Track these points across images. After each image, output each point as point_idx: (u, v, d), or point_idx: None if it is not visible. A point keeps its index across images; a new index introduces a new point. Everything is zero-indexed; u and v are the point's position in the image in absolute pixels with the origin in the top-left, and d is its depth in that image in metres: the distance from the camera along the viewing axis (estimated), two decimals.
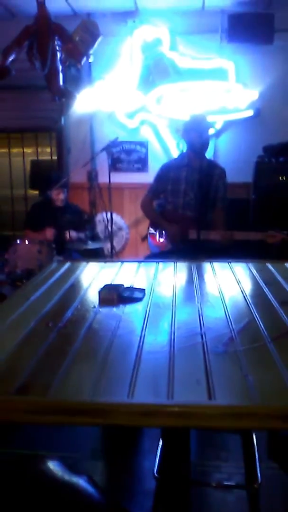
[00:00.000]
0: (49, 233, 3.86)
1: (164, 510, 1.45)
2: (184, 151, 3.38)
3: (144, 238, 3.50)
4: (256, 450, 1.69)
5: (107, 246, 4.25)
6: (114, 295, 1.61)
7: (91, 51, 4.11)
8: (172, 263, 2.21)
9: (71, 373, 1.08)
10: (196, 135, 3.10)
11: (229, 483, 2.13)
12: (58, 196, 3.98)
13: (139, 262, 2.28)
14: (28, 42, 3.84)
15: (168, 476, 1.39)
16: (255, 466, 1.66)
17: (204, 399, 0.96)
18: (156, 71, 4.58)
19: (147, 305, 1.58)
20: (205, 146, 3.21)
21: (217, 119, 4.54)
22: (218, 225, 3.18)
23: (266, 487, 1.72)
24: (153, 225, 3.43)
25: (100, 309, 1.55)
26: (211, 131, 3.47)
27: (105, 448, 2.43)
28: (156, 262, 2.25)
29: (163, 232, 3.32)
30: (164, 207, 3.37)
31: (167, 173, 3.28)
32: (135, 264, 2.21)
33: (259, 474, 1.64)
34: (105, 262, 2.31)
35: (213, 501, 2.02)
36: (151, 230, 3.43)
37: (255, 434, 1.71)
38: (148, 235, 3.46)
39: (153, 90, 4.59)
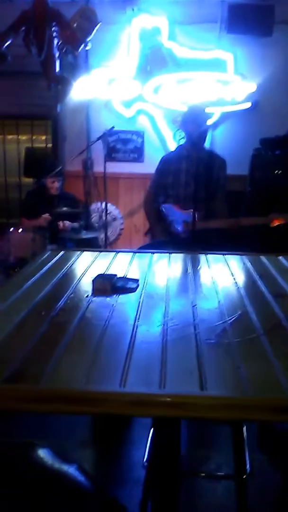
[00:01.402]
0: (44, 220, 3.85)
1: (153, 499, 1.46)
2: (182, 142, 3.36)
3: (147, 233, 3.48)
4: (245, 441, 1.70)
5: (101, 236, 4.24)
6: (108, 285, 1.60)
7: (88, 38, 4.07)
8: (167, 254, 2.21)
9: (63, 362, 1.08)
10: (194, 126, 3.09)
11: (218, 474, 2.15)
12: (53, 184, 3.96)
13: (134, 252, 2.27)
14: (25, 28, 3.80)
15: (157, 465, 1.40)
16: (244, 457, 1.68)
17: (196, 390, 0.96)
18: (154, 61, 4.55)
19: (141, 296, 1.58)
20: (203, 137, 3.20)
21: (214, 111, 4.52)
22: (221, 214, 3.19)
23: (255, 478, 1.73)
24: (151, 229, 3.42)
25: (93, 299, 1.54)
26: (210, 122, 3.46)
27: (95, 437, 2.44)
28: (151, 253, 2.25)
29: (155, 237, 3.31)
30: (164, 200, 3.33)
31: (167, 166, 3.27)
32: (130, 254, 2.21)
33: (248, 465, 1.66)
34: (100, 251, 2.30)
35: (202, 491, 2.04)
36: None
37: (245, 425, 1.72)
38: (150, 230, 3.45)
39: (151, 80, 4.55)
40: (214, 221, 3.06)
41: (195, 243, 2.70)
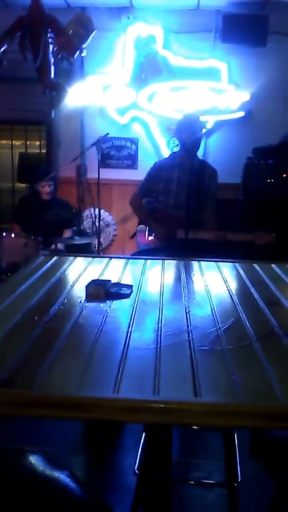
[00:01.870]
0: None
1: (145, 506, 1.45)
2: (176, 150, 3.38)
3: (133, 236, 3.48)
4: (237, 448, 1.70)
5: (94, 242, 4.24)
6: (101, 291, 1.60)
7: (84, 45, 4.09)
8: (160, 261, 2.21)
9: (56, 367, 1.08)
10: (188, 134, 3.10)
11: (209, 481, 2.14)
12: (44, 189, 3.95)
13: (127, 258, 2.28)
14: (20, 33, 3.81)
15: (149, 472, 1.39)
16: (236, 465, 1.68)
17: (190, 396, 0.96)
18: (149, 69, 4.57)
19: (134, 302, 1.58)
20: (197, 145, 3.21)
21: (208, 119, 4.55)
22: (209, 225, 3.20)
23: (246, 485, 1.73)
24: (142, 223, 3.42)
25: (86, 304, 1.54)
26: (204, 131, 3.48)
27: (86, 444, 2.42)
28: (144, 259, 2.25)
29: (152, 231, 3.31)
30: (154, 206, 3.36)
31: (159, 173, 3.27)
32: (123, 261, 2.21)
33: (239, 473, 1.65)
34: (93, 257, 2.30)
35: (193, 498, 2.03)
36: (141, 228, 3.42)
37: (236, 433, 1.72)
38: (137, 233, 3.45)
39: (145, 88, 4.58)
40: (202, 232, 3.07)
41: (185, 251, 2.70)
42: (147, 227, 3.34)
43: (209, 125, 4.60)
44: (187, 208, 2.87)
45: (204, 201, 3.23)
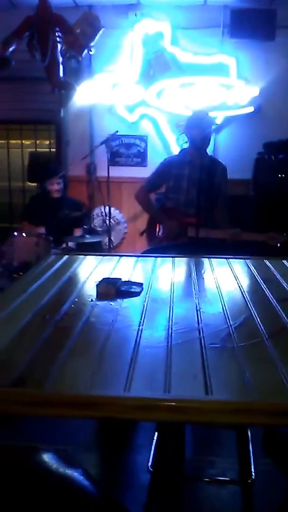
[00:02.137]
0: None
1: (158, 504, 1.45)
2: (185, 147, 3.36)
3: (143, 233, 3.48)
4: (250, 445, 1.69)
5: (105, 240, 4.24)
6: (112, 289, 1.60)
7: (92, 44, 4.09)
8: (170, 259, 2.21)
9: (68, 366, 1.08)
10: (198, 131, 3.09)
11: (223, 478, 2.14)
12: (53, 187, 3.95)
13: (137, 256, 2.27)
14: (28, 33, 3.82)
15: (162, 470, 1.39)
16: (249, 462, 1.67)
17: (201, 394, 0.96)
18: (157, 65, 4.56)
19: (145, 300, 1.58)
20: (206, 142, 3.20)
21: (217, 115, 4.53)
22: (222, 223, 3.18)
23: (260, 482, 1.72)
24: (152, 218, 3.42)
25: (97, 303, 1.54)
26: (213, 127, 3.47)
27: (100, 441, 2.43)
28: (154, 257, 2.24)
29: (161, 226, 3.30)
30: (163, 203, 3.35)
31: (169, 169, 3.26)
32: (133, 259, 2.21)
33: (253, 470, 1.65)
34: (103, 256, 2.30)
35: (207, 496, 2.03)
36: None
37: (250, 430, 1.71)
38: (146, 230, 3.45)
39: (154, 84, 4.57)
40: (216, 231, 3.06)
41: (196, 249, 2.69)
42: (158, 224, 3.32)
43: (218, 121, 4.57)
44: (198, 205, 2.86)
45: (215, 199, 3.21)
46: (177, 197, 3.22)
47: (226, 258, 2.20)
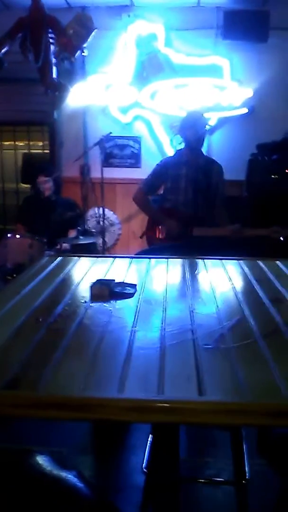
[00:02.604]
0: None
1: (153, 505, 1.45)
2: (180, 148, 3.38)
3: (142, 235, 3.48)
4: (244, 446, 1.70)
5: (99, 241, 4.24)
6: (106, 290, 1.60)
7: (85, 45, 4.09)
8: (165, 260, 2.21)
9: (61, 368, 1.08)
10: (192, 132, 3.11)
11: (217, 479, 2.14)
12: (45, 185, 3.94)
13: (131, 257, 2.27)
14: (21, 34, 3.82)
15: (157, 471, 1.39)
16: (244, 462, 1.67)
17: (195, 395, 0.96)
18: (150, 67, 4.56)
19: (139, 301, 1.58)
20: (201, 142, 3.22)
21: (211, 116, 4.54)
22: (222, 221, 3.19)
23: (254, 483, 1.73)
24: (152, 219, 3.41)
25: (91, 304, 1.54)
26: (207, 128, 3.48)
27: (94, 443, 2.43)
28: (148, 258, 2.24)
29: (163, 227, 3.29)
30: (160, 204, 3.35)
31: (166, 170, 3.27)
32: (127, 260, 2.21)
33: (247, 470, 1.65)
34: (97, 257, 2.30)
35: (202, 497, 2.03)
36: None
37: (244, 430, 1.72)
38: (146, 232, 3.44)
39: (147, 86, 4.57)
40: (217, 229, 3.07)
41: (194, 249, 2.70)
42: (158, 225, 3.32)
43: (212, 122, 4.58)
44: (197, 204, 2.87)
45: (212, 198, 3.23)
46: (176, 197, 3.23)
47: (220, 259, 2.21)
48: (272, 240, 2.96)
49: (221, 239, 3.03)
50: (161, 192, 3.38)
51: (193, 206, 3.18)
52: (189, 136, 3.16)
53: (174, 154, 3.51)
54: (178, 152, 3.46)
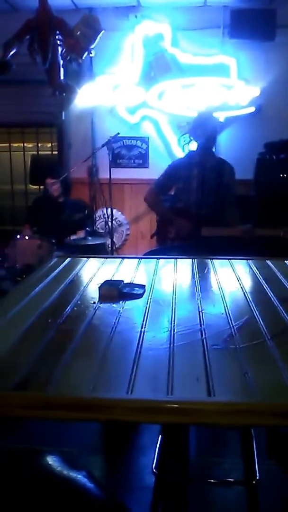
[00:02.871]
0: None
1: (163, 506, 1.45)
2: (190, 148, 3.38)
3: (153, 235, 3.48)
4: (254, 446, 1.69)
5: (107, 242, 4.25)
6: (114, 291, 1.61)
7: (92, 46, 4.10)
8: (173, 260, 2.21)
9: (71, 369, 1.08)
10: (203, 132, 3.12)
11: (227, 479, 2.14)
12: (53, 187, 3.96)
13: (140, 258, 2.28)
14: (29, 37, 3.83)
15: (166, 471, 1.39)
16: (254, 463, 1.67)
17: (204, 396, 0.96)
18: (158, 67, 4.57)
19: (147, 301, 1.58)
20: (212, 143, 3.23)
21: (218, 116, 4.53)
22: (233, 222, 3.19)
23: (265, 483, 1.72)
24: (162, 220, 3.42)
25: (100, 305, 1.55)
26: (219, 127, 3.48)
27: (104, 443, 2.43)
28: (157, 258, 2.25)
29: (174, 227, 3.29)
30: (172, 204, 3.35)
31: (178, 171, 3.28)
32: (136, 260, 2.21)
33: (257, 471, 1.65)
34: (106, 258, 2.31)
35: (212, 497, 2.02)
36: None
37: (253, 431, 1.71)
38: (157, 232, 3.45)
39: (155, 86, 4.57)
40: (228, 229, 3.07)
41: (203, 249, 2.70)
42: (169, 225, 3.31)
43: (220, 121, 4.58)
44: (208, 205, 2.87)
45: (224, 198, 3.23)
46: (187, 198, 3.23)
47: (228, 259, 2.20)
48: (284, 240, 2.95)
49: (231, 239, 3.03)
50: (172, 192, 3.38)
51: (205, 206, 3.18)
52: (200, 137, 3.17)
53: (185, 156, 3.51)
54: (189, 153, 3.47)
